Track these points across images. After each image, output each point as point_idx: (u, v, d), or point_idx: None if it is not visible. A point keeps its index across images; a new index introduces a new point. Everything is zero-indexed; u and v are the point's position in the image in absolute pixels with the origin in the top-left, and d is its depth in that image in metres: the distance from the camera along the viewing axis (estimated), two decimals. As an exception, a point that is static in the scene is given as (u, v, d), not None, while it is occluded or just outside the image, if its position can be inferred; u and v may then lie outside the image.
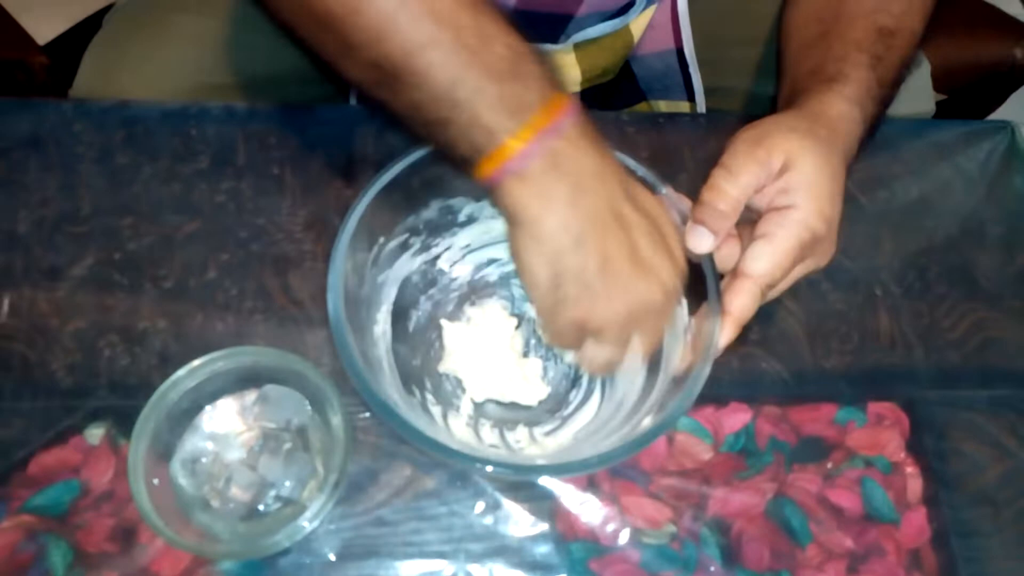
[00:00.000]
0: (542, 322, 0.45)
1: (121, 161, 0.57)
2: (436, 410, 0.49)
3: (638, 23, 0.72)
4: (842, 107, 0.48)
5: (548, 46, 0.68)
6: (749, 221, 0.47)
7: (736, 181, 0.44)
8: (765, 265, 0.44)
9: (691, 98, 0.77)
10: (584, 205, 0.40)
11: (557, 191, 0.40)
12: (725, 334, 0.43)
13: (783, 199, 0.44)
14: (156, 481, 0.44)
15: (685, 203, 0.47)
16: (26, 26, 0.80)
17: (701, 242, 0.44)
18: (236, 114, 0.59)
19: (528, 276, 0.42)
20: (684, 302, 0.47)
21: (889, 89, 0.52)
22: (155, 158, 0.57)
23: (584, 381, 0.52)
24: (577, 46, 0.70)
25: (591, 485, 0.50)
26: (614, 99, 0.78)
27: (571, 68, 0.71)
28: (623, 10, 0.68)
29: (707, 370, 0.42)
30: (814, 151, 0.45)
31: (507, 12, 0.41)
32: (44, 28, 0.83)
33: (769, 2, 0.69)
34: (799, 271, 0.46)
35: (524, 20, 0.64)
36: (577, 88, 0.73)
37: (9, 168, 0.56)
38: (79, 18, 0.86)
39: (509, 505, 0.49)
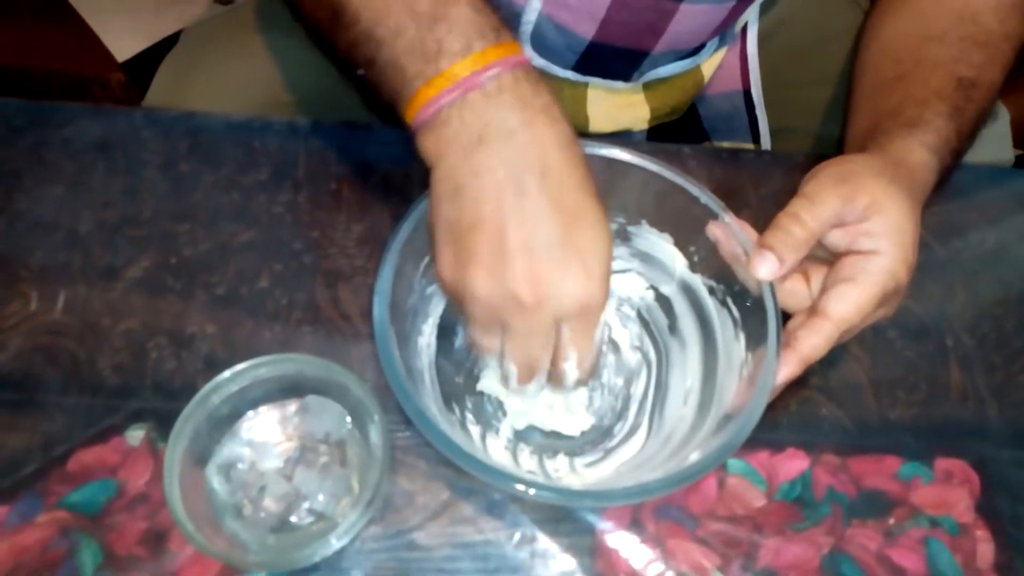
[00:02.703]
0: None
1: (184, 169, 0.58)
2: (475, 430, 0.47)
3: (709, 63, 0.72)
4: (923, 155, 0.47)
5: (619, 84, 0.68)
6: (819, 260, 0.45)
7: (816, 213, 0.42)
8: (848, 309, 0.42)
9: (756, 140, 0.76)
10: (477, 159, 0.36)
11: (455, 141, 0.37)
12: (788, 370, 0.41)
13: (867, 243, 0.43)
14: (190, 483, 0.43)
15: (749, 232, 0.45)
16: (107, 43, 0.84)
17: (764, 267, 0.42)
18: (298, 129, 0.60)
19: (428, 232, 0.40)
20: (742, 336, 0.45)
21: (965, 142, 0.51)
22: (217, 167, 0.58)
23: (631, 414, 0.50)
24: (647, 85, 0.70)
25: (635, 524, 0.48)
26: (677, 139, 0.77)
27: (640, 106, 0.71)
28: (695, 50, 0.67)
29: (762, 406, 0.40)
30: (900, 199, 0.44)
31: None
32: (124, 46, 0.86)
33: (839, 43, 0.68)
34: (872, 319, 0.44)
35: (600, 54, 0.65)
36: (645, 126, 0.73)
37: (78, 170, 0.57)
38: (158, 37, 0.89)
39: (547, 538, 0.47)
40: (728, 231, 0.45)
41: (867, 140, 0.49)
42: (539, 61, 0.66)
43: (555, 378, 0.43)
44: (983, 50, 0.52)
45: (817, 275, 0.45)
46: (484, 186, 0.36)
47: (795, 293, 0.45)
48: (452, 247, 0.38)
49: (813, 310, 0.43)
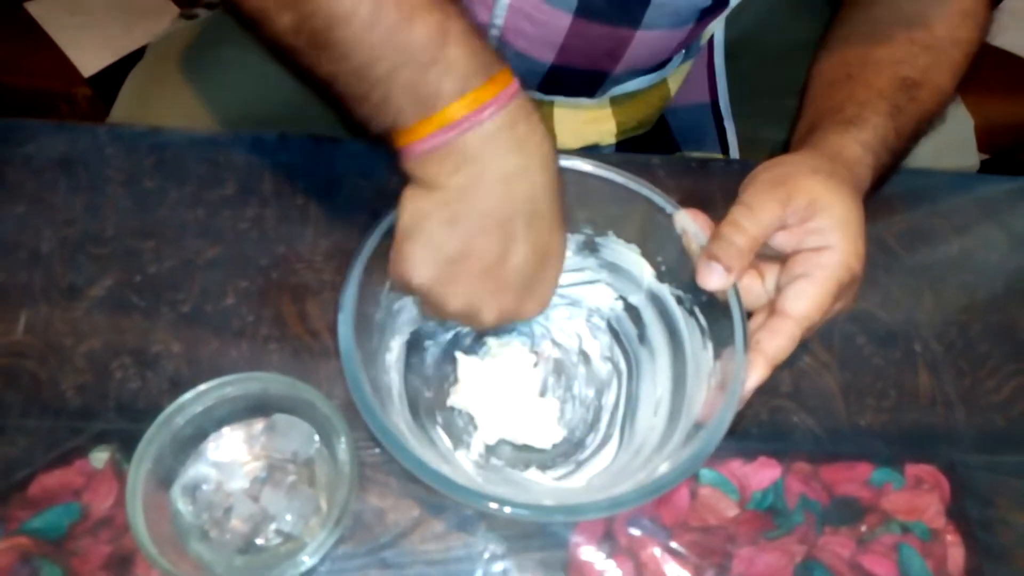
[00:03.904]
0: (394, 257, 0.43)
1: (148, 185, 0.57)
2: (445, 446, 0.47)
3: (675, 76, 0.72)
4: (857, 151, 0.48)
5: (585, 100, 0.68)
6: (772, 258, 0.45)
7: (756, 219, 0.43)
8: (807, 305, 0.42)
9: (725, 151, 0.76)
10: (476, 199, 0.39)
11: (454, 177, 0.39)
12: (756, 374, 0.41)
13: (816, 240, 0.43)
14: (154, 506, 0.42)
15: (701, 222, 0.45)
16: (73, 58, 0.83)
17: (713, 278, 0.42)
18: (265, 143, 0.59)
19: (400, 222, 0.41)
20: (710, 345, 0.45)
21: (906, 142, 0.51)
22: (182, 183, 0.57)
23: (603, 425, 0.49)
24: (614, 100, 0.70)
25: (607, 537, 0.47)
26: (648, 150, 0.77)
27: (607, 121, 0.71)
28: (661, 64, 0.68)
29: (731, 414, 0.40)
30: (841, 192, 0.44)
31: None
32: (91, 61, 0.85)
33: (806, 53, 0.68)
34: (831, 313, 0.44)
35: (562, 76, 0.65)
36: (612, 140, 0.73)
37: (39, 188, 0.56)
38: (125, 52, 0.88)
39: (519, 555, 0.46)
40: (696, 219, 0.45)
41: (805, 139, 0.50)
42: None
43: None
44: (929, 53, 0.52)
45: (771, 272, 0.45)
46: (478, 224, 0.40)
47: (751, 291, 0.44)
48: (435, 265, 0.41)
49: (772, 310, 0.43)
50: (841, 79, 0.53)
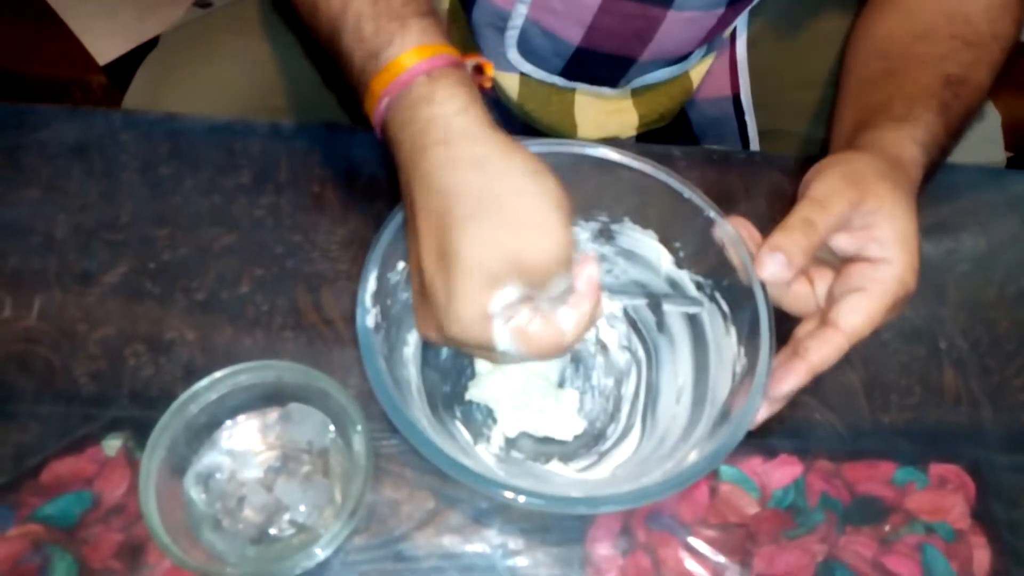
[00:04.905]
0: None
1: (164, 172, 0.56)
2: (465, 440, 0.46)
3: (698, 69, 0.71)
4: (914, 151, 0.46)
5: (606, 90, 0.67)
6: (822, 262, 0.44)
7: (826, 219, 0.41)
8: (861, 320, 0.41)
9: (745, 145, 0.75)
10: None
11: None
12: (796, 379, 0.40)
13: (876, 250, 0.41)
14: (167, 494, 0.42)
15: (747, 230, 0.44)
16: (89, 46, 0.82)
17: (774, 269, 0.40)
18: (280, 131, 0.59)
19: None
20: (733, 330, 0.44)
21: (952, 140, 0.50)
22: (197, 170, 0.56)
23: (623, 415, 0.49)
24: (635, 91, 0.69)
25: (625, 533, 0.47)
26: (668, 143, 0.76)
27: (628, 113, 0.70)
28: (683, 56, 0.67)
29: (759, 401, 0.39)
30: (904, 203, 0.42)
31: None
32: (107, 48, 0.85)
33: (828, 46, 0.67)
34: (881, 325, 0.43)
35: (587, 60, 0.64)
36: (633, 133, 0.72)
37: (53, 174, 0.56)
38: (140, 40, 0.88)
39: (536, 548, 0.46)
40: (742, 228, 0.44)
41: (855, 136, 0.48)
42: (526, 66, 0.65)
43: None
44: (972, 49, 0.51)
45: (821, 278, 0.43)
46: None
47: (801, 296, 0.43)
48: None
49: (824, 320, 0.41)
50: (882, 73, 0.52)
